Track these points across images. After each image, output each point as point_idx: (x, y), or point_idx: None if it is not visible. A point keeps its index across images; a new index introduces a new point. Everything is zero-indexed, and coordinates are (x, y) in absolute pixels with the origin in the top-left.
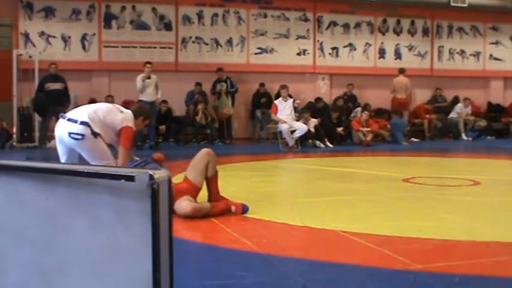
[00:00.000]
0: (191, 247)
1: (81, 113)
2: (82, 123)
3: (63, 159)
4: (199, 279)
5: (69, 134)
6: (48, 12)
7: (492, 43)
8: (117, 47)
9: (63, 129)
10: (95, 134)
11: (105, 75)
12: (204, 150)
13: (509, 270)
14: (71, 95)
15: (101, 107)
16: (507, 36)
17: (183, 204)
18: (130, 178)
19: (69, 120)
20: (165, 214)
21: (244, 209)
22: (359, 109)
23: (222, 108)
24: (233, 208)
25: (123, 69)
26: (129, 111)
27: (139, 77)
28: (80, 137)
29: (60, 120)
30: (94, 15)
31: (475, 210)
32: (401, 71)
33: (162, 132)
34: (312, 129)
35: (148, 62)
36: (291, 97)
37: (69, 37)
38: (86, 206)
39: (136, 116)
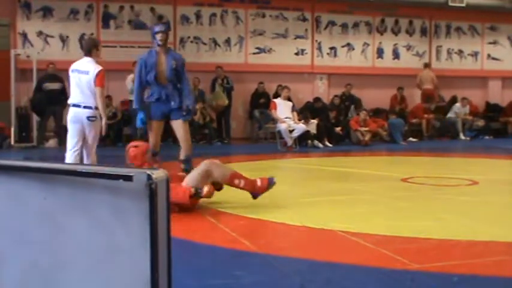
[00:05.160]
0: (189, 247)
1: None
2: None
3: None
4: (198, 278)
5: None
6: (46, 12)
7: (490, 43)
8: (115, 46)
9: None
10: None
11: None
12: (207, 161)
13: (507, 269)
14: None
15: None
16: (505, 36)
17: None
18: (128, 178)
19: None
20: (163, 214)
21: (270, 181)
22: (353, 107)
23: (216, 100)
24: (259, 182)
25: (121, 69)
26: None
27: (130, 78)
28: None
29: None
30: (92, 15)
31: (473, 210)
32: (426, 65)
33: None
34: (313, 131)
35: None
36: (290, 100)
37: (67, 37)
38: (85, 206)
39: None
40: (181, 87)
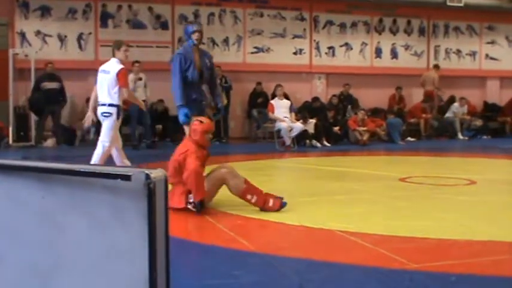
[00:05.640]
0: (188, 246)
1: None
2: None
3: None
4: (196, 278)
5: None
6: (44, 11)
7: (488, 43)
8: None
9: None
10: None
11: None
12: (224, 169)
13: (505, 269)
14: (67, 95)
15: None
16: (503, 35)
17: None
18: (126, 177)
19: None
20: (161, 213)
21: (282, 204)
22: (350, 107)
23: None
24: (271, 202)
25: None
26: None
27: (130, 78)
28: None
29: None
30: (90, 14)
31: (471, 209)
32: (435, 66)
33: (158, 131)
34: (311, 130)
35: (137, 61)
36: (287, 98)
37: (66, 36)
38: (83, 205)
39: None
40: (210, 86)
